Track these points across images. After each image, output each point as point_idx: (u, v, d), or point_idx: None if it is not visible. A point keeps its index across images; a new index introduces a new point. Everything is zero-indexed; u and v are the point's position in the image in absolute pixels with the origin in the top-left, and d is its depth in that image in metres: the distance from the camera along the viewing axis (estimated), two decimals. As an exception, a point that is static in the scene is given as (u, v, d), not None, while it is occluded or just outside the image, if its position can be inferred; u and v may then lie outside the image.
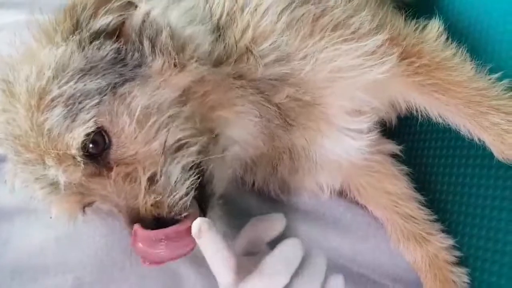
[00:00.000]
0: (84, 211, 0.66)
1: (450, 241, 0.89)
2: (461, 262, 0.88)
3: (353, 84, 0.74)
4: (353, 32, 0.73)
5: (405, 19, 0.82)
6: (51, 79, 0.58)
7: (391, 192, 0.92)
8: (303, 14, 0.71)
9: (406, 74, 0.77)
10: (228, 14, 0.70)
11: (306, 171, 0.82)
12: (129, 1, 0.65)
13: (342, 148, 0.80)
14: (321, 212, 0.92)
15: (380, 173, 0.92)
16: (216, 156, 0.65)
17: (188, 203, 0.61)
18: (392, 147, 0.95)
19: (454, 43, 0.81)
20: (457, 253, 0.89)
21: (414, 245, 0.90)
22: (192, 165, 0.62)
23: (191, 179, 0.61)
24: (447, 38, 0.81)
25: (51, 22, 0.63)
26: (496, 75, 0.78)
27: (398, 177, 0.94)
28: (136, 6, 0.65)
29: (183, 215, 0.60)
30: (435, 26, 0.81)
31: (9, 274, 0.78)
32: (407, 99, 0.81)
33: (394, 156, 0.95)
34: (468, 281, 0.87)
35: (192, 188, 0.61)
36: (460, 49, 0.80)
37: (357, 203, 0.95)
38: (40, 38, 0.62)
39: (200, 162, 0.63)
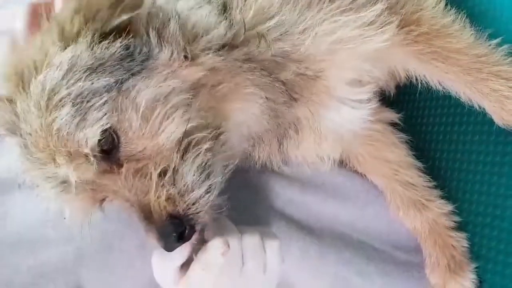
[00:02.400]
0: (101, 207, 0.66)
1: (449, 207, 0.91)
2: (460, 227, 0.90)
3: (353, 54, 0.73)
4: (351, 2, 0.71)
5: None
6: (60, 80, 0.57)
7: (391, 160, 0.93)
8: None
9: (405, 43, 0.76)
10: None
11: (310, 143, 0.82)
12: None
13: (343, 118, 0.80)
14: (320, 181, 0.93)
15: (380, 141, 0.93)
16: (220, 153, 0.65)
17: (211, 202, 0.62)
18: (391, 115, 0.95)
19: (453, 9, 0.79)
20: (457, 219, 0.90)
21: (414, 212, 0.91)
22: (206, 164, 0.62)
23: (208, 181, 0.61)
24: (446, 4, 0.79)
25: (61, 19, 0.60)
26: (496, 41, 0.77)
27: (397, 145, 0.94)
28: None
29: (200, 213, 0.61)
30: None
31: (9, 247, 0.80)
32: (406, 67, 0.80)
33: (393, 124, 0.95)
34: (467, 246, 0.89)
35: (214, 187, 0.62)
36: (459, 15, 0.79)
37: (356, 172, 0.96)
38: (52, 34, 0.60)
39: (208, 160, 0.63)
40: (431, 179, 0.93)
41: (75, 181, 0.59)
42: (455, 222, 0.90)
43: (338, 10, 0.70)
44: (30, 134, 0.59)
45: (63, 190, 0.61)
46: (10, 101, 0.60)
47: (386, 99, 0.96)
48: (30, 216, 0.81)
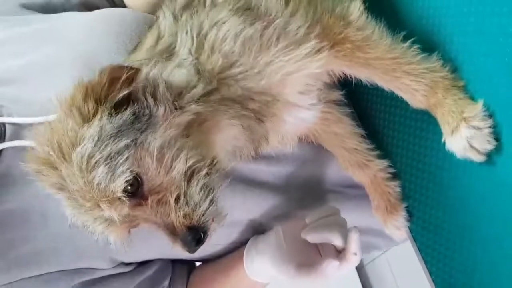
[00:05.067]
0: (130, 232, 0.87)
1: (385, 163, 1.17)
2: (394, 177, 1.17)
3: (299, 78, 0.95)
4: (293, 40, 0.90)
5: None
6: (93, 148, 0.77)
7: (338, 133, 1.17)
8: (252, 33, 0.88)
9: (336, 59, 0.96)
10: (196, 49, 0.87)
11: (277, 141, 1.05)
12: (135, 70, 0.81)
13: (301, 118, 1.02)
14: (286, 155, 1.18)
15: (329, 120, 1.16)
16: (215, 173, 0.86)
17: (215, 210, 0.84)
18: (337, 95, 1.17)
19: (373, 19, 0.98)
20: (391, 170, 1.17)
21: (358, 170, 1.18)
22: (206, 184, 0.83)
23: (210, 196, 0.83)
24: (367, 17, 0.98)
25: (77, 105, 0.79)
26: (408, 43, 0.97)
27: (342, 119, 1.18)
28: (139, 71, 0.82)
29: (209, 222, 0.84)
30: (356, 7, 0.97)
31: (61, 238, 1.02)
32: (342, 72, 1.02)
33: (338, 101, 1.18)
34: (400, 191, 1.17)
35: (213, 202, 0.84)
36: (378, 24, 0.98)
37: (312, 143, 1.21)
38: (74, 117, 0.79)
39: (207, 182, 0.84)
40: (370, 143, 1.19)
41: (117, 218, 0.81)
42: (390, 173, 1.17)
43: (283, 50, 0.89)
44: (78, 191, 0.79)
45: (108, 225, 0.83)
46: (55, 168, 0.80)
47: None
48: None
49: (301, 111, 1.01)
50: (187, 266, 1.31)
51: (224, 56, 0.88)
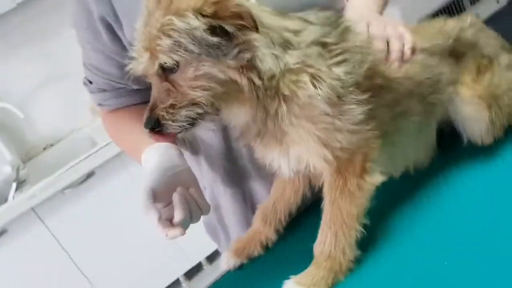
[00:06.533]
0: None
1: (275, 238, 1.34)
2: (266, 249, 1.35)
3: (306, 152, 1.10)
4: (332, 145, 1.06)
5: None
6: (179, 29, 0.96)
7: (286, 192, 1.33)
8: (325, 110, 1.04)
9: (329, 175, 1.11)
10: (291, 71, 1.03)
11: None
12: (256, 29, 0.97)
13: (280, 166, 1.16)
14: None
15: (293, 179, 1.30)
16: (206, 120, 1.06)
17: (180, 130, 1.05)
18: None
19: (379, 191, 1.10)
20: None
21: (260, 219, 1.35)
22: (194, 120, 1.04)
23: (189, 128, 1.05)
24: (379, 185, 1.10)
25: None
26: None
27: (300, 189, 1.32)
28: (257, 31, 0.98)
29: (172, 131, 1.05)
30: (380, 176, 1.11)
31: None
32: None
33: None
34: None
35: (187, 127, 1.04)
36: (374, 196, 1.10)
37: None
38: (196, 3, 0.97)
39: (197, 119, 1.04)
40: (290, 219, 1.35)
41: (143, 68, 1.03)
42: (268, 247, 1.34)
43: (319, 140, 1.06)
44: (145, 31, 1.01)
45: (135, 61, 1.05)
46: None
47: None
48: None
49: (286, 164, 1.15)
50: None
51: (296, 97, 1.04)
